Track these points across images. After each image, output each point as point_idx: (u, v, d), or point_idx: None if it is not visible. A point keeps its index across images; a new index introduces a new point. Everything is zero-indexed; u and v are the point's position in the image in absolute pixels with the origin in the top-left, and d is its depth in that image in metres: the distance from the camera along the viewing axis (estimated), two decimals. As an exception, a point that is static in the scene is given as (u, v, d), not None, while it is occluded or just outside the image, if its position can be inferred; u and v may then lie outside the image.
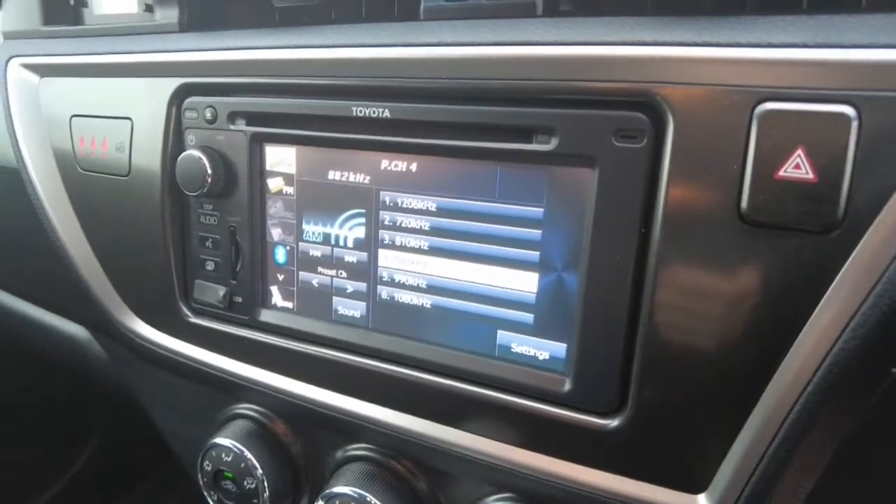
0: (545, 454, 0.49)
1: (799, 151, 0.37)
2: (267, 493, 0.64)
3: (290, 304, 0.59)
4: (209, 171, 0.57)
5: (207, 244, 0.61)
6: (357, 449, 0.61)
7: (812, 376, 0.39)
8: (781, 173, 0.38)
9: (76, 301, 0.70)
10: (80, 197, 0.68)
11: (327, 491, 0.59)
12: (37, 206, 0.70)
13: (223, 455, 0.64)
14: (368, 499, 0.57)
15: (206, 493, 0.67)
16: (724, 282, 0.40)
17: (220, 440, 0.65)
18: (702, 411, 0.43)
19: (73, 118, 0.67)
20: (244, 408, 0.67)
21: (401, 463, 0.60)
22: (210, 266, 0.61)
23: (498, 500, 0.55)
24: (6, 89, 0.70)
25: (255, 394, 0.62)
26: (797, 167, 0.37)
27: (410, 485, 0.60)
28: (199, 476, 0.67)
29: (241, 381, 0.62)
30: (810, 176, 0.37)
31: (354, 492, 0.57)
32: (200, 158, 0.57)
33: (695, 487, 0.45)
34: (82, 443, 1.60)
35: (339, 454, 0.63)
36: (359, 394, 0.56)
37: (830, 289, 0.38)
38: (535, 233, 0.47)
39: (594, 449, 0.47)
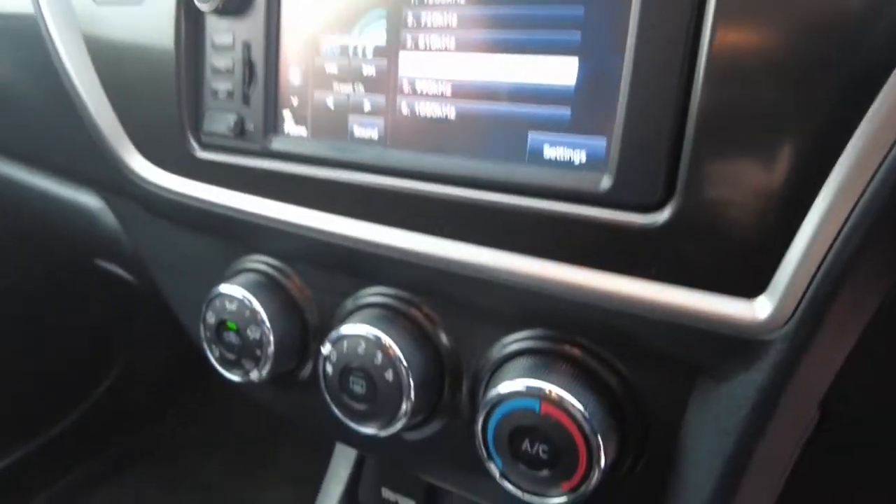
0: (580, 265, 0.43)
1: None
2: (272, 345, 0.59)
3: (303, 130, 0.55)
4: (224, -20, 0.53)
5: (220, 67, 0.57)
6: (372, 295, 0.56)
7: (885, 155, 0.33)
8: None
9: (87, 150, 0.68)
10: (93, 34, 0.65)
11: (334, 333, 0.54)
12: (51, 49, 0.67)
13: (227, 303, 0.60)
14: (382, 339, 0.52)
15: (207, 350, 0.63)
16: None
17: (224, 288, 0.61)
18: (759, 198, 0.37)
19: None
20: (253, 261, 0.63)
21: (421, 310, 0.54)
22: (222, 93, 0.57)
23: (519, 339, 0.50)
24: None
25: (266, 236, 0.58)
26: None
27: (429, 336, 0.54)
28: (202, 331, 0.63)
29: (251, 219, 0.57)
30: None
31: (366, 331, 0.53)
32: (215, -33, 0.53)
33: (751, 291, 0.39)
34: (100, 376, 1.60)
35: (352, 303, 0.58)
36: (376, 217, 0.51)
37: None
38: (577, 8, 0.42)
39: (637, 253, 0.41)
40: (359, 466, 0.76)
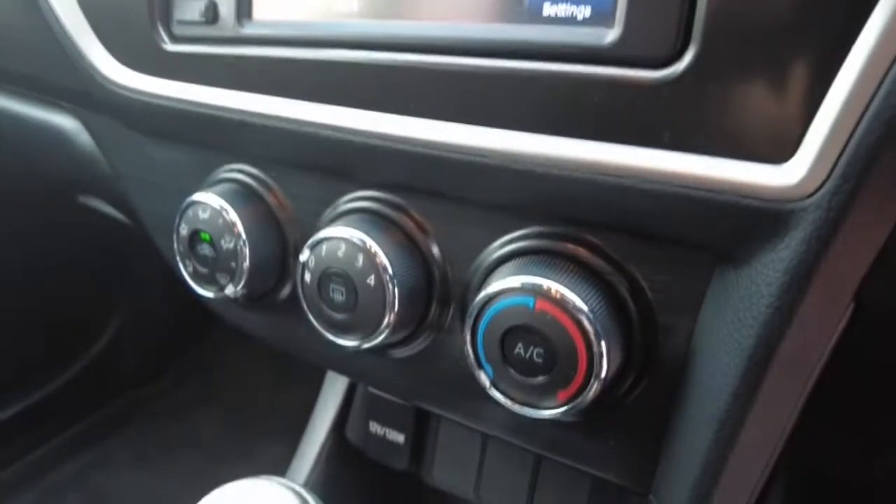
0: (586, 138, 0.38)
1: None
2: (247, 257, 0.54)
3: (277, 11, 0.50)
4: None
5: (189, -54, 0.52)
6: (355, 200, 0.51)
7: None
8: None
9: (53, 54, 0.63)
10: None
11: (313, 238, 0.50)
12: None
13: (199, 212, 0.56)
14: (364, 242, 0.47)
15: (181, 265, 0.59)
16: None
17: (198, 196, 0.56)
18: (789, 44, 0.32)
19: None
20: (230, 171, 0.58)
21: (408, 216, 0.49)
22: (193, -24, 0.52)
23: (513, 239, 0.45)
24: None
25: (242, 135, 0.53)
26: None
27: (417, 244, 0.49)
28: (175, 244, 0.58)
29: (226, 114, 0.52)
30: None
31: (347, 233, 0.48)
32: None
33: (779, 154, 0.33)
34: (97, 335, 1.58)
35: (332, 212, 0.53)
36: (359, 100, 0.45)
37: None
38: None
39: (648, 117, 0.35)
40: (346, 404, 0.72)
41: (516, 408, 0.43)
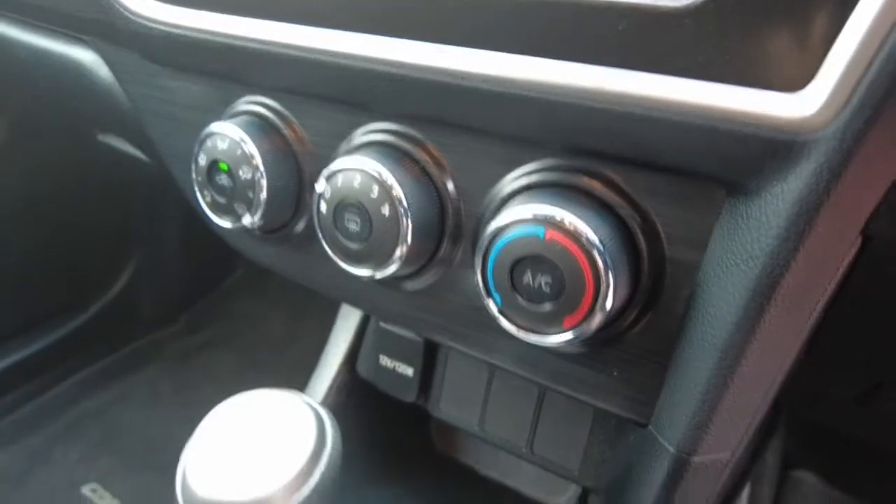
0: (599, 64, 0.38)
1: None
2: (265, 187, 0.56)
3: (299, -62, 0.50)
4: None
5: None
6: (371, 133, 0.52)
7: None
8: None
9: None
10: None
11: (329, 168, 0.50)
12: None
13: (218, 142, 0.57)
14: (379, 173, 0.48)
15: (199, 196, 0.60)
16: None
17: (216, 127, 0.57)
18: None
19: None
20: (249, 103, 0.59)
21: (423, 149, 0.50)
22: None
23: (526, 172, 0.46)
24: None
25: (263, 65, 0.53)
26: None
27: (432, 178, 0.50)
28: (193, 174, 0.60)
29: (249, 44, 0.52)
30: None
31: (362, 164, 0.48)
32: None
33: (796, 82, 0.33)
34: (114, 277, 1.61)
35: (347, 145, 0.54)
36: (381, 27, 0.45)
37: None
38: None
39: (669, 45, 0.36)
40: (358, 340, 0.74)
41: (522, 335, 0.45)
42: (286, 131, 0.58)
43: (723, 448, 0.45)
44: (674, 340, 0.44)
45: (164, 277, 1.68)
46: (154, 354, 1.61)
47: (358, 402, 0.76)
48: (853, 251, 0.38)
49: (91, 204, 1.48)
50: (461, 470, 0.81)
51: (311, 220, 0.55)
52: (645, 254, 0.43)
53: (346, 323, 0.74)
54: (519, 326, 0.45)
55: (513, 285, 0.44)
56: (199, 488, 0.36)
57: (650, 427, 0.47)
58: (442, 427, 0.84)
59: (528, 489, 0.78)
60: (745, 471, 0.80)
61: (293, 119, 0.57)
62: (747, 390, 0.42)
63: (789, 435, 1.03)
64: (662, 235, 0.42)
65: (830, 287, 0.39)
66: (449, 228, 0.51)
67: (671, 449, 0.45)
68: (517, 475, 0.78)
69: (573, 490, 0.72)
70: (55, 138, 1.23)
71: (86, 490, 1.29)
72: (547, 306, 0.43)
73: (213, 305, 1.75)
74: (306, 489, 0.37)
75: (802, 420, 0.95)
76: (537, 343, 0.44)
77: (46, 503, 1.26)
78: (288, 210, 0.59)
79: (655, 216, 0.42)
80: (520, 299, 0.44)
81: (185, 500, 0.37)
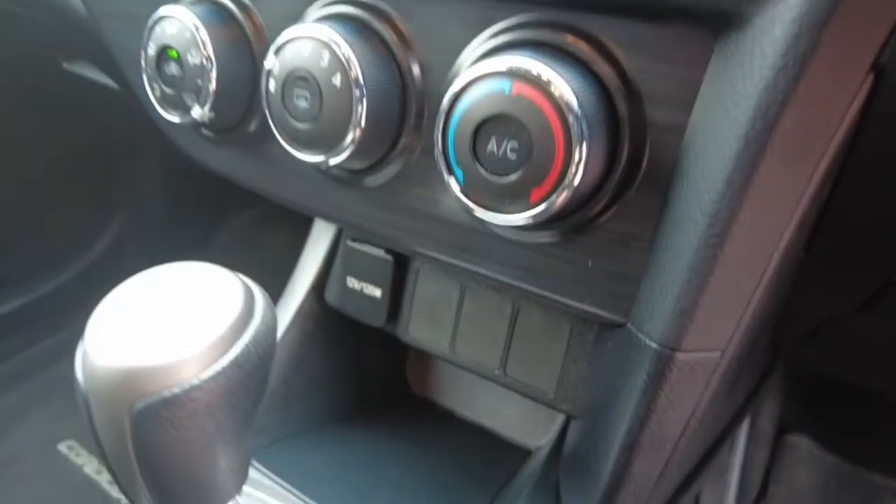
0: None
1: None
2: (214, 76, 0.51)
3: None
4: None
5: None
6: (331, 4, 0.47)
7: None
8: None
9: None
10: None
11: (280, 38, 0.45)
12: None
13: (167, 27, 0.52)
14: (331, 38, 0.43)
15: (148, 90, 0.55)
16: None
17: (164, 10, 0.52)
18: None
19: None
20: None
21: (387, 20, 0.44)
22: None
23: (497, 31, 0.40)
24: None
25: None
26: None
27: (392, 52, 0.45)
28: (143, 66, 0.55)
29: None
30: None
31: (313, 31, 0.43)
32: None
33: None
34: (97, 235, 1.58)
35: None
36: None
37: None
38: None
39: None
40: (326, 269, 0.69)
41: (488, 216, 0.40)
42: (243, 19, 0.53)
43: (712, 344, 0.40)
44: (656, 222, 0.39)
45: (148, 238, 1.64)
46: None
47: (327, 338, 0.71)
48: (863, 91, 0.32)
49: (70, 164, 1.44)
50: (438, 413, 0.77)
51: (265, 119, 0.50)
52: (625, 118, 0.38)
53: (315, 248, 0.69)
54: (483, 206, 0.40)
55: (475, 156, 0.39)
56: (98, 355, 0.31)
57: (629, 324, 0.42)
58: (419, 368, 0.79)
59: (506, 431, 0.73)
60: (744, 401, 0.73)
61: (253, 8, 0.53)
62: (739, 268, 0.36)
63: (786, 396, 0.98)
64: (644, 95, 0.37)
65: (836, 138, 0.33)
66: (411, 115, 0.46)
67: (652, 344, 0.40)
68: (495, 417, 0.74)
69: (553, 431, 0.67)
70: (18, 70, 1.17)
71: (62, 447, 1.26)
72: (513, 177, 0.38)
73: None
74: (225, 360, 0.32)
75: (798, 372, 0.90)
76: (504, 223, 0.39)
77: (23, 460, 1.23)
78: (240, 105, 0.54)
79: (635, 72, 0.37)
80: (483, 172, 0.39)
81: (83, 370, 0.33)
